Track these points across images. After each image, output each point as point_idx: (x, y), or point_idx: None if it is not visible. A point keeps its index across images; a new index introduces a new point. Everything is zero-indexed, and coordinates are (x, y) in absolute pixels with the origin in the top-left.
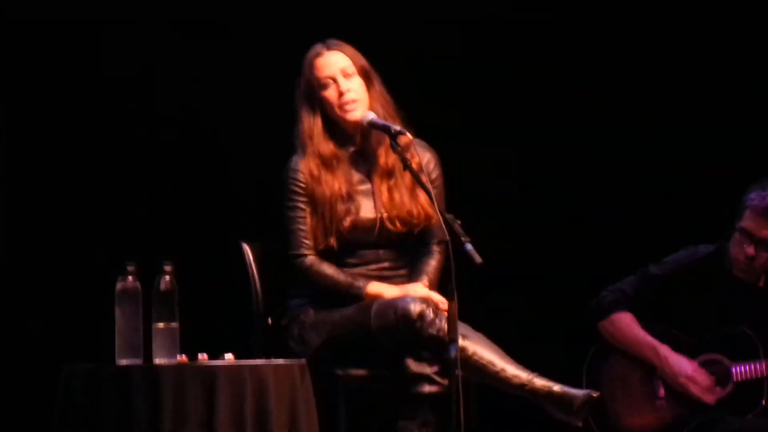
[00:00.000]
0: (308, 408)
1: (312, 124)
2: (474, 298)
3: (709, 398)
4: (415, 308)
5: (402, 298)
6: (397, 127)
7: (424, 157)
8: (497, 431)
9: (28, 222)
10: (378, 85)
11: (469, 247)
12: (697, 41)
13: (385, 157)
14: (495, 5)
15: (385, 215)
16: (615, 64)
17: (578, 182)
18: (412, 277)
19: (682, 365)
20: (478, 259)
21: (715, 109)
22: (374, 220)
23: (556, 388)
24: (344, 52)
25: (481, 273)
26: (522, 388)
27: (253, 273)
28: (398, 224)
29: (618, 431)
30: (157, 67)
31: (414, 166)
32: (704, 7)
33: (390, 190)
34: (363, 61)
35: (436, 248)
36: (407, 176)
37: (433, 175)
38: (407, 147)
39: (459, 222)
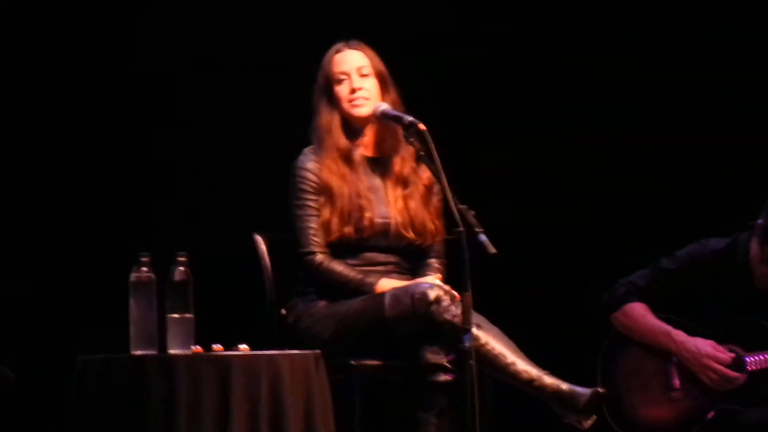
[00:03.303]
0: (323, 398)
1: (330, 119)
2: (487, 290)
3: (735, 373)
4: (432, 292)
5: (418, 284)
6: (410, 118)
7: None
8: (512, 422)
9: (43, 212)
10: (393, 93)
11: (482, 237)
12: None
13: (401, 165)
14: None
15: (399, 221)
16: (631, 52)
17: (592, 174)
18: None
19: (700, 345)
20: (492, 249)
21: (731, 96)
22: (388, 224)
23: (564, 386)
24: (364, 53)
25: (495, 264)
26: (530, 383)
27: (266, 264)
28: (411, 233)
29: (633, 424)
30: (175, 59)
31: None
32: None
33: (405, 199)
34: (381, 66)
35: (437, 265)
36: (420, 187)
37: (436, 190)
38: (421, 138)
39: (473, 212)
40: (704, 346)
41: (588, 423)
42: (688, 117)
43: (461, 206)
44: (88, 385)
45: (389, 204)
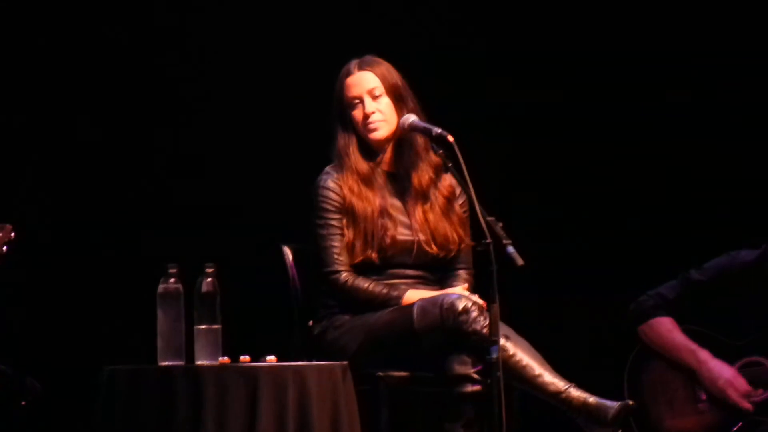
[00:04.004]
0: (350, 410)
1: (347, 141)
2: (515, 302)
3: (746, 404)
4: (460, 302)
5: (446, 295)
6: (438, 129)
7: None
8: None
9: (72, 223)
10: (411, 104)
11: (510, 249)
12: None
13: (419, 179)
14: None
15: (422, 238)
16: (663, 61)
17: (620, 185)
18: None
19: (721, 370)
20: (519, 261)
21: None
22: (412, 242)
23: (591, 399)
24: (375, 72)
25: (523, 276)
26: (557, 396)
27: (293, 275)
28: (435, 247)
29: None
30: (202, 73)
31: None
32: None
33: (425, 213)
34: (395, 80)
35: (464, 275)
36: (441, 199)
37: (461, 200)
38: (449, 150)
39: (501, 224)
40: (724, 371)
41: None
42: (714, 128)
43: (489, 218)
44: (116, 397)
45: (411, 220)
